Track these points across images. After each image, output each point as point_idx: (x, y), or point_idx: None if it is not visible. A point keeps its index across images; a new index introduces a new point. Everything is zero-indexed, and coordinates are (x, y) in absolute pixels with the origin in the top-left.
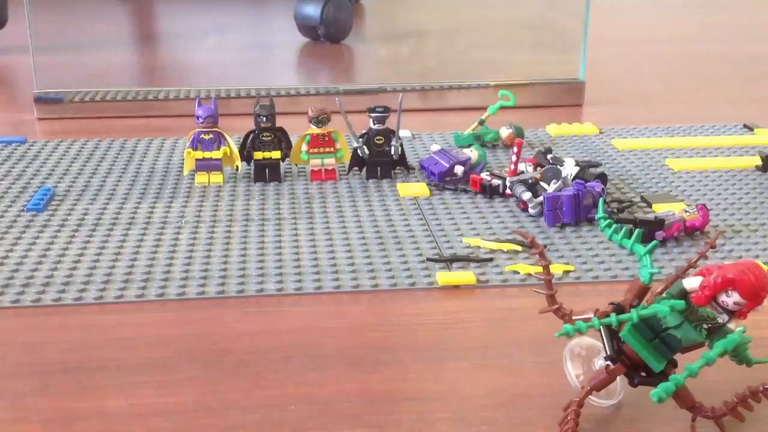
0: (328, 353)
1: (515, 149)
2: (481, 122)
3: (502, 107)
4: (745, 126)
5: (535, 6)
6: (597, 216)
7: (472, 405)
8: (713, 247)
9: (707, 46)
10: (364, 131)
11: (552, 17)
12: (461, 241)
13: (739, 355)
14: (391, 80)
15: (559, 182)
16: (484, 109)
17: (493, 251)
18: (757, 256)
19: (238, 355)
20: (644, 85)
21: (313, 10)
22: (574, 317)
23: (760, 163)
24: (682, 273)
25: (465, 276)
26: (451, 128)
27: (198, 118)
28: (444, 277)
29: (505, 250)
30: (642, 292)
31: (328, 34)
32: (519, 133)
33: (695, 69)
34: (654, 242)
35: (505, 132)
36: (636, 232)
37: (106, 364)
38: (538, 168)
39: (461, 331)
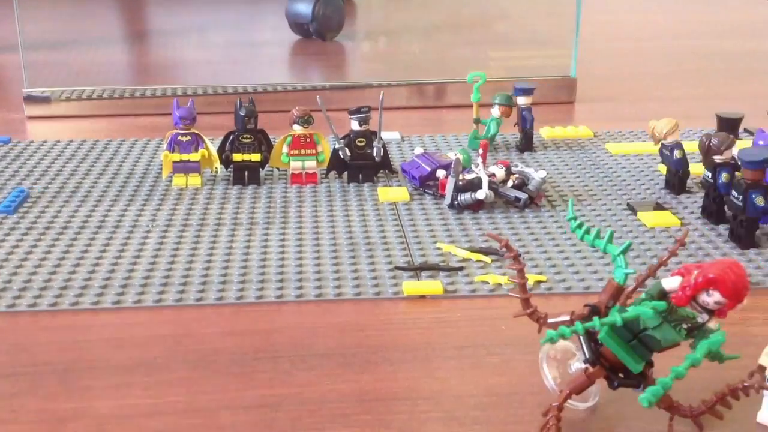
0: (319, 353)
1: (480, 151)
2: (477, 121)
3: (480, 88)
4: (745, 131)
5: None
6: (567, 217)
7: (464, 404)
8: (683, 244)
9: (699, 42)
10: (345, 134)
11: (543, 13)
12: (435, 248)
13: (715, 353)
14: (381, 77)
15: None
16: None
17: (465, 260)
18: (757, 265)
19: (228, 355)
20: (636, 82)
21: (304, 8)
22: (549, 320)
23: None
24: (654, 271)
25: (432, 286)
26: (441, 125)
27: (177, 119)
28: (410, 286)
29: (475, 260)
30: (617, 292)
31: (319, 31)
32: (506, 100)
33: (688, 65)
34: (628, 243)
35: (496, 111)
36: (608, 233)
37: (95, 364)
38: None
39: (452, 330)
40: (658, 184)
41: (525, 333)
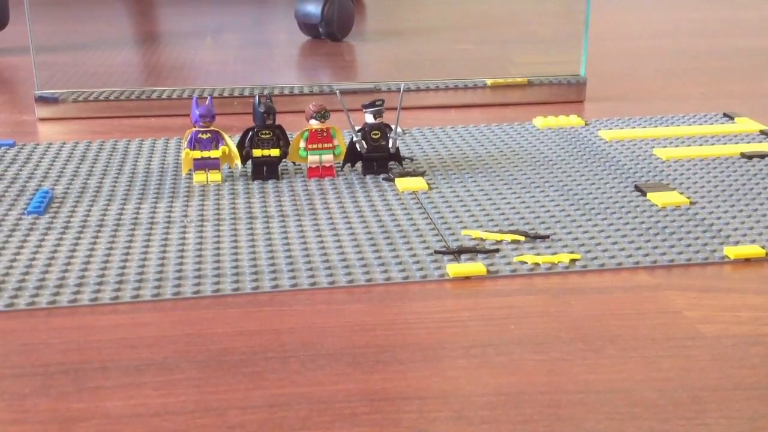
0: (328, 352)
1: None
2: None
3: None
4: (725, 115)
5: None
6: None
7: (472, 404)
8: None
9: (712, 40)
10: (359, 127)
11: (552, 13)
12: (465, 234)
13: None
14: (392, 78)
15: None
16: (485, 106)
17: (497, 242)
18: (753, 240)
19: (238, 354)
20: (646, 81)
21: (313, 8)
22: None
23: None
24: None
25: (475, 267)
26: (451, 124)
27: (197, 117)
28: (454, 268)
29: (510, 241)
30: None
31: (329, 32)
32: None
33: (699, 64)
34: None
35: None
36: None
37: (106, 364)
38: None
39: (462, 329)
40: (657, 166)
41: (534, 333)
